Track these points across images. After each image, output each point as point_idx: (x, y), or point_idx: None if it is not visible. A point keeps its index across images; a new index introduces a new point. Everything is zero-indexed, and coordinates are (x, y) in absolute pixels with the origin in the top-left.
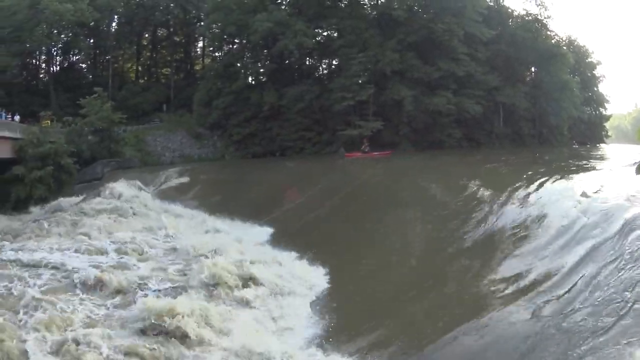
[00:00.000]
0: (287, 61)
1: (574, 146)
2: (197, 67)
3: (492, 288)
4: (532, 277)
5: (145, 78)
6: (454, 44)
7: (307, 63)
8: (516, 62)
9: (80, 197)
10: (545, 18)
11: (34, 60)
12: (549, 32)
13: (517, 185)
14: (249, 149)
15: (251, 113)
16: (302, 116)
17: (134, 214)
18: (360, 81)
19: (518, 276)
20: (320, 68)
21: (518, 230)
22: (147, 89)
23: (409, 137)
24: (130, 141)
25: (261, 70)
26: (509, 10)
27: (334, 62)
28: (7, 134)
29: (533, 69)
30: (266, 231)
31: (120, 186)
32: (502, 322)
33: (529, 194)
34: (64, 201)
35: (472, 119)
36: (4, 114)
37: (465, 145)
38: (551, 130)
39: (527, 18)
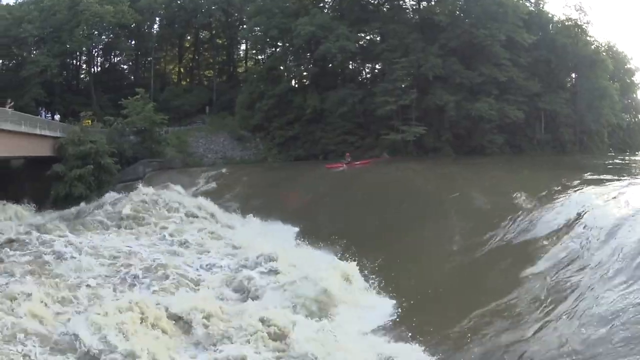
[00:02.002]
0: (330, 65)
1: (610, 153)
2: (240, 70)
3: None
4: None
5: (188, 80)
6: (495, 49)
7: (350, 67)
8: (557, 68)
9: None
10: (584, 23)
11: (74, 61)
12: (588, 38)
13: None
14: (292, 152)
15: (294, 116)
16: (345, 120)
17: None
18: (403, 86)
19: None
20: (363, 72)
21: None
22: (189, 90)
23: (451, 142)
24: (172, 142)
25: (304, 73)
26: (549, 16)
27: (376, 67)
28: (47, 132)
29: (573, 75)
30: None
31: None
32: None
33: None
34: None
35: (514, 125)
36: (44, 113)
37: (507, 152)
38: (591, 137)
39: (567, 23)
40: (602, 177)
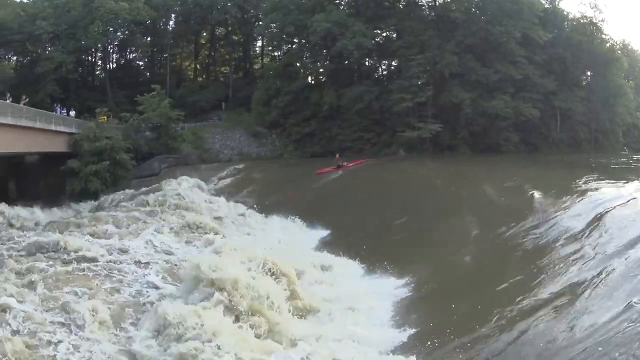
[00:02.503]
0: (346, 61)
1: (623, 152)
2: (256, 66)
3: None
4: None
5: (204, 76)
6: (511, 46)
7: (367, 64)
8: (572, 66)
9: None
10: (599, 21)
11: (89, 57)
12: (603, 36)
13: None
14: (308, 149)
15: (310, 112)
16: (361, 117)
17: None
18: (419, 83)
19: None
20: (380, 69)
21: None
22: (205, 87)
23: (467, 140)
24: (188, 138)
25: (320, 70)
26: (565, 13)
27: (393, 63)
28: (62, 128)
29: (588, 73)
30: (321, 234)
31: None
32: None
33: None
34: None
35: (529, 123)
36: (59, 109)
37: (523, 150)
38: (606, 136)
39: (582, 21)
40: (618, 176)
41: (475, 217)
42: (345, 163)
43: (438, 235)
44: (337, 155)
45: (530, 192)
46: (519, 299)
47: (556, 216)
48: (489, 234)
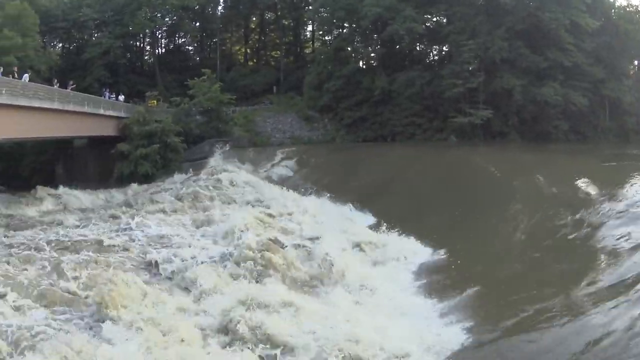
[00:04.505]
0: (397, 46)
1: None
2: (307, 51)
3: None
4: None
5: (254, 60)
6: (561, 33)
7: (417, 49)
8: (620, 55)
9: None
10: None
11: (137, 42)
12: None
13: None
14: (360, 133)
15: (362, 97)
16: (413, 102)
17: None
18: (470, 68)
19: None
20: (431, 54)
21: None
22: (256, 71)
23: (517, 127)
24: (239, 121)
25: (372, 54)
26: (611, 1)
27: (444, 49)
28: (111, 112)
29: (635, 62)
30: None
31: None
32: None
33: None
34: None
35: (578, 111)
36: (107, 93)
37: (572, 139)
38: None
39: (628, 9)
40: None
41: (527, 205)
42: None
43: (489, 222)
44: None
45: (582, 183)
46: (576, 288)
47: (608, 209)
48: (542, 223)
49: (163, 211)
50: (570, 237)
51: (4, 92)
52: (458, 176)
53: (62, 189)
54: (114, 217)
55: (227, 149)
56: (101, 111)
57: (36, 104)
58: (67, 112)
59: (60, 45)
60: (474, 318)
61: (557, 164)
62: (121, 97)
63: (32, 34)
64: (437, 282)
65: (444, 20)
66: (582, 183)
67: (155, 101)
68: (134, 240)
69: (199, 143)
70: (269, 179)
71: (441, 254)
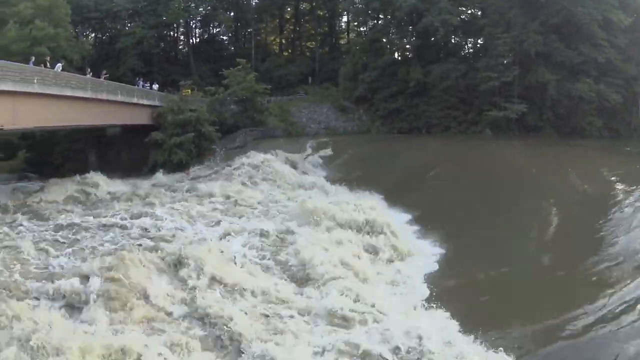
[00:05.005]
0: (432, 38)
1: None
2: (342, 41)
3: None
4: None
5: (289, 51)
6: (594, 28)
7: (452, 41)
8: None
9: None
10: None
11: (171, 32)
12: None
13: None
14: (395, 125)
15: (397, 88)
16: (448, 94)
17: None
18: (505, 62)
19: None
20: (466, 47)
21: None
22: (291, 61)
23: (552, 122)
24: (274, 111)
25: (407, 46)
26: None
27: (478, 41)
28: (144, 101)
29: None
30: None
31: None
32: None
33: None
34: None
35: (612, 108)
36: (141, 82)
37: (606, 136)
38: None
39: None
40: None
41: (560, 203)
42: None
43: (520, 219)
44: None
45: (616, 182)
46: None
47: None
48: (576, 222)
49: None
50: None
51: (35, 81)
52: (494, 170)
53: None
54: None
55: (260, 138)
56: (134, 100)
57: (68, 92)
58: (100, 100)
59: (93, 35)
60: None
61: (591, 161)
62: (155, 86)
63: (64, 25)
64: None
65: (479, 13)
66: (615, 180)
67: (189, 90)
68: None
69: (233, 132)
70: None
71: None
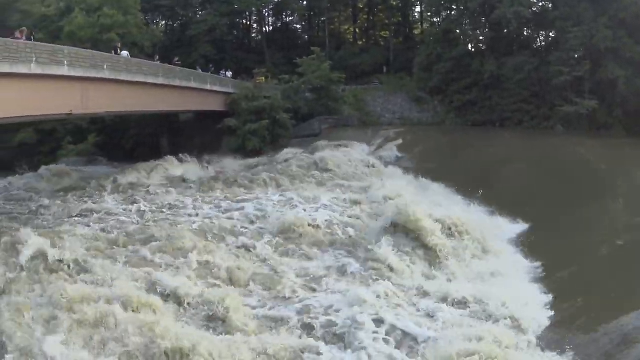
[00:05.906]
0: (505, 30)
1: None
2: (416, 32)
3: None
4: None
5: (363, 40)
6: None
7: (525, 34)
8: None
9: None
10: None
11: (244, 20)
12: None
13: None
14: (469, 117)
15: (471, 80)
16: (521, 88)
17: None
18: (576, 56)
19: None
20: (538, 40)
21: None
22: (365, 50)
23: (622, 120)
24: (349, 100)
25: (480, 38)
26: None
27: (550, 35)
28: (217, 88)
29: None
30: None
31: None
32: None
33: None
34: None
35: None
36: (222, 72)
37: None
38: None
39: None
40: None
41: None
42: None
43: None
44: None
45: None
46: None
47: None
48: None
49: None
50: None
51: (105, 67)
52: (563, 167)
53: None
54: None
55: (334, 126)
56: (207, 87)
57: (140, 78)
58: (172, 87)
59: (164, 22)
60: None
61: None
62: (229, 73)
63: (134, 12)
64: None
65: (550, 6)
66: None
67: (263, 78)
68: None
69: (307, 120)
70: (381, 159)
71: None
